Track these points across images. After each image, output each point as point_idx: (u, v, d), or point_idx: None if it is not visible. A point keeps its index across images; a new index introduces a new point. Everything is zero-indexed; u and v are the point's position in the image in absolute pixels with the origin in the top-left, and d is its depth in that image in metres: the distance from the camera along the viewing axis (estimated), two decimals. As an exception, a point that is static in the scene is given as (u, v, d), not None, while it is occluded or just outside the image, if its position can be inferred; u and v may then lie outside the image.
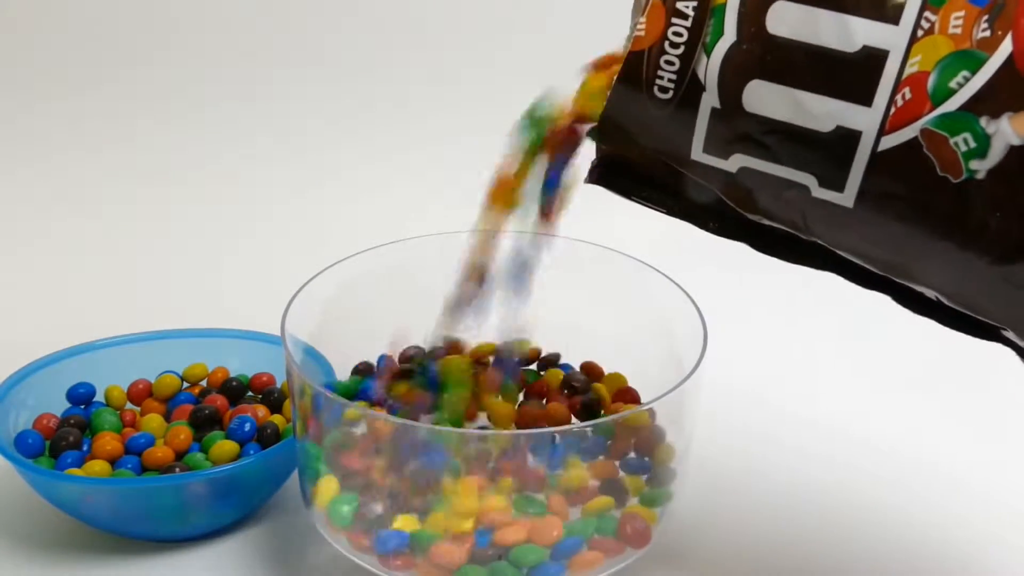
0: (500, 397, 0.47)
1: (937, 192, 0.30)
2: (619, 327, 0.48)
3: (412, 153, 0.90)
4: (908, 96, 0.30)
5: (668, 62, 0.33)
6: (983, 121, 0.29)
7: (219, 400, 0.50)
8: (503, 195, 0.40)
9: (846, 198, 0.32)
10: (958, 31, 0.30)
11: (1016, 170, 0.29)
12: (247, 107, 0.97)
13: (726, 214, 0.36)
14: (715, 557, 0.47)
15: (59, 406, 0.50)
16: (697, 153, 0.34)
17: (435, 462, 0.38)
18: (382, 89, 0.98)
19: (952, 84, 0.30)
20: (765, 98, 0.32)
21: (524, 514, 0.38)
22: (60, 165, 0.89)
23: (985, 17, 0.29)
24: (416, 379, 0.47)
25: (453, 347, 0.48)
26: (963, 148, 0.30)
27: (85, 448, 0.47)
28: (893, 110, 0.30)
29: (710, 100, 0.33)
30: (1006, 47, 0.29)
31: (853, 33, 0.31)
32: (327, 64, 1.00)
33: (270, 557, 0.46)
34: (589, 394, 0.47)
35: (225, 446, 0.46)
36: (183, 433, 0.47)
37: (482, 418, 0.48)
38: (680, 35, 0.33)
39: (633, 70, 0.34)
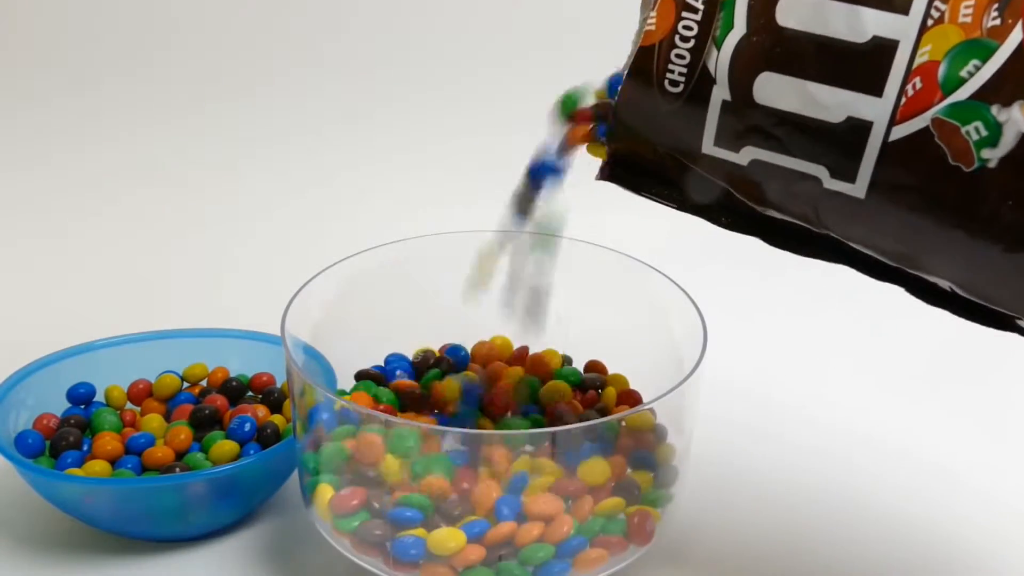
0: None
1: (949, 181, 0.30)
2: (619, 327, 0.48)
3: (412, 153, 0.90)
4: (919, 86, 0.30)
5: (679, 56, 0.33)
6: (994, 110, 0.29)
7: (219, 400, 0.50)
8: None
9: (857, 189, 0.32)
10: (968, 20, 0.30)
11: None
12: (247, 107, 0.97)
13: (737, 209, 0.36)
14: (716, 556, 0.47)
15: (59, 406, 0.50)
16: (708, 147, 0.34)
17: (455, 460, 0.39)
18: (382, 89, 0.98)
19: (963, 73, 0.30)
20: (775, 90, 0.32)
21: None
22: (60, 165, 0.89)
23: (995, 6, 0.29)
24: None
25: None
26: (974, 137, 0.30)
27: (85, 448, 0.47)
28: (904, 100, 0.30)
29: (721, 93, 0.33)
30: (1016, 35, 0.29)
31: (863, 23, 0.31)
32: (327, 64, 1.00)
33: (270, 557, 0.46)
34: (600, 403, 0.47)
35: (225, 446, 0.46)
36: (183, 433, 0.47)
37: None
38: (690, 28, 0.33)
39: (643, 64, 0.34)
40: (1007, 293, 0.32)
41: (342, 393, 0.48)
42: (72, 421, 0.48)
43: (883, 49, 0.31)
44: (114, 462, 0.46)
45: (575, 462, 0.39)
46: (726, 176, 0.34)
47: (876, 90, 0.31)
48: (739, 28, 0.33)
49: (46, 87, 0.98)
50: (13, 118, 0.95)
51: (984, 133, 0.29)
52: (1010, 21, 0.29)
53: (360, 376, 0.50)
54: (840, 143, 0.32)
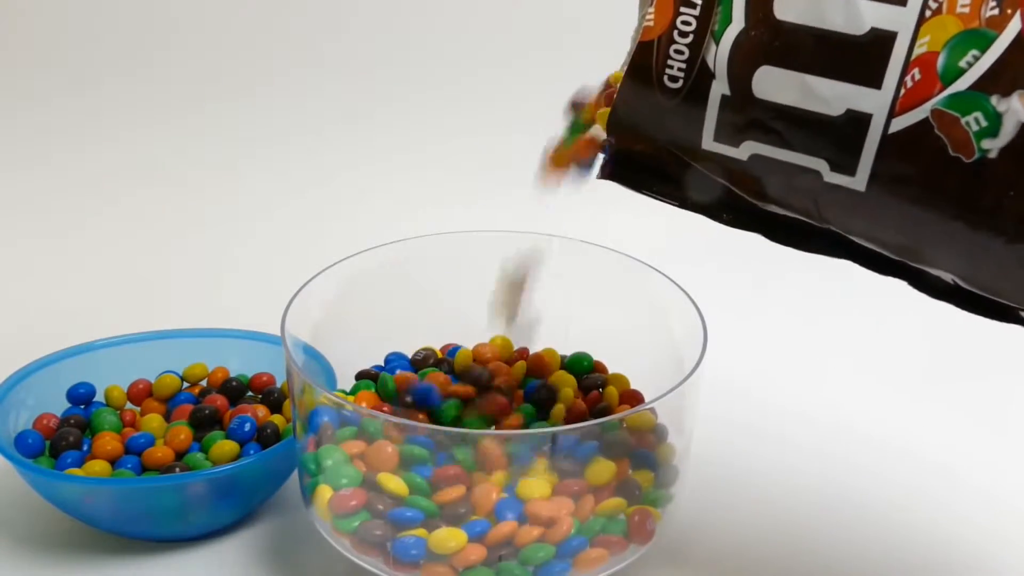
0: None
1: (949, 173, 0.30)
2: (619, 327, 0.48)
3: (412, 153, 0.91)
4: (917, 77, 0.30)
5: (677, 51, 0.33)
6: (994, 100, 0.29)
7: (219, 400, 0.50)
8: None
9: (858, 182, 0.32)
10: (966, 10, 0.30)
11: None
12: (247, 107, 0.97)
13: (738, 205, 0.36)
14: (716, 555, 0.47)
15: (59, 406, 0.50)
16: (708, 142, 0.34)
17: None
18: (382, 89, 0.98)
19: (962, 64, 0.30)
20: (774, 84, 0.32)
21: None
22: (60, 165, 0.89)
23: None
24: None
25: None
26: (974, 128, 0.30)
27: (85, 448, 0.47)
28: (903, 92, 0.30)
29: (720, 88, 0.33)
30: (1015, 25, 0.29)
31: (861, 15, 0.31)
32: (327, 64, 1.00)
33: (270, 557, 0.46)
34: (603, 403, 0.47)
35: (225, 446, 0.46)
36: (183, 433, 0.47)
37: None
38: (689, 24, 0.33)
39: (642, 60, 0.34)
40: (1009, 284, 0.32)
41: (342, 393, 0.48)
42: (72, 421, 0.48)
43: (881, 41, 0.31)
44: (114, 462, 0.46)
45: (576, 462, 0.39)
46: (726, 172, 0.34)
47: (875, 82, 0.31)
48: (737, 22, 0.33)
49: (46, 87, 0.99)
50: (13, 118, 0.95)
51: (984, 123, 0.29)
52: (1009, 11, 0.29)
53: (360, 376, 0.50)
54: (840, 136, 0.32)
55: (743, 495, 0.51)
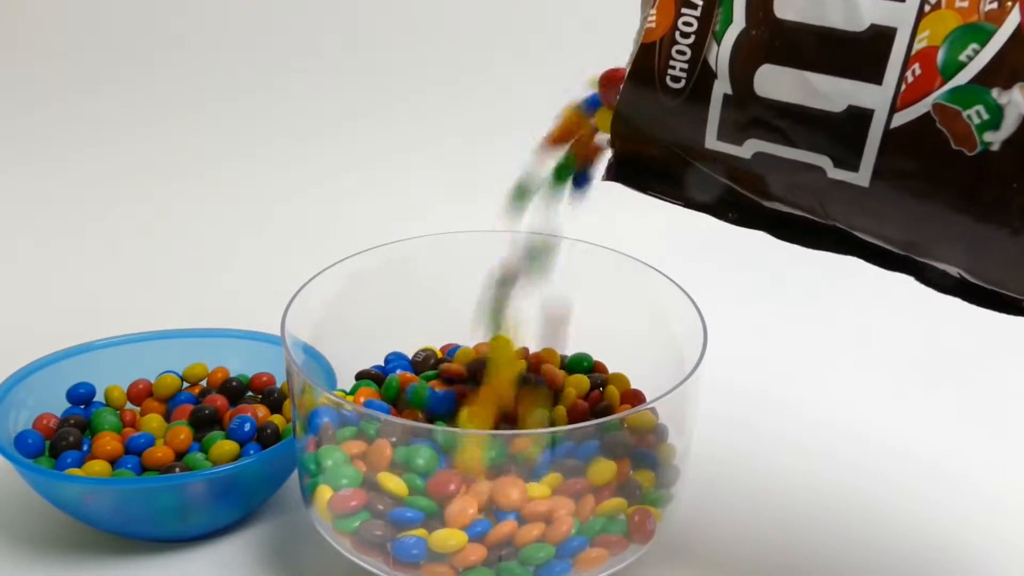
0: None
1: (952, 166, 0.30)
2: (619, 327, 0.48)
3: (412, 153, 0.90)
4: (918, 72, 0.30)
5: (679, 52, 0.33)
6: (995, 93, 0.29)
7: (219, 400, 0.50)
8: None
9: (861, 177, 0.32)
10: (965, 4, 0.30)
11: None
12: (248, 107, 0.97)
13: (744, 204, 0.36)
14: (715, 555, 0.47)
15: (59, 406, 0.50)
16: (711, 141, 0.34)
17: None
18: (382, 89, 0.98)
19: (962, 57, 0.30)
20: (776, 82, 0.32)
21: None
22: (60, 165, 0.89)
23: None
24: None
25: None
26: (976, 121, 0.30)
27: (85, 448, 0.47)
28: (904, 87, 0.31)
29: (722, 87, 0.33)
30: (1014, 18, 0.29)
31: (860, 12, 0.31)
32: (327, 64, 1.00)
33: (270, 557, 0.46)
34: (604, 402, 0.47)
35: (225, 446, 0.46)
36: (183, 433, 0.47)
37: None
38: (690, 24, 0.33)
39: (645, 62, 0.34)
40: (1015, 277, 0.32)
41: (342, 393, 0.48)
42: (72, 421, 0.48)
43: (881, 37, 0.31)
44: (114, 462, 0.46)
45: (578, 462, 0.39)
46: (730, 170, 0.34)
47: (876, 78, 0.31)
48: (738, 22, 0.33)
49: (46, 88, 0.98)
50: (13, 119, 0.95)
51: (985, 117, 0.29)
52: (1008, 3, 0.29)
53: (360, 376, 0.50)
54: (842, 132, 0.32)
55: (743, 495, 0.51)
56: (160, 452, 0.46)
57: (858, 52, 0.31)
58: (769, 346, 0.64)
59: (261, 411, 0.49)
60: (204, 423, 0.48)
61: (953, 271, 0.33)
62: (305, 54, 1.01)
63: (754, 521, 0.49)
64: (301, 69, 1.00)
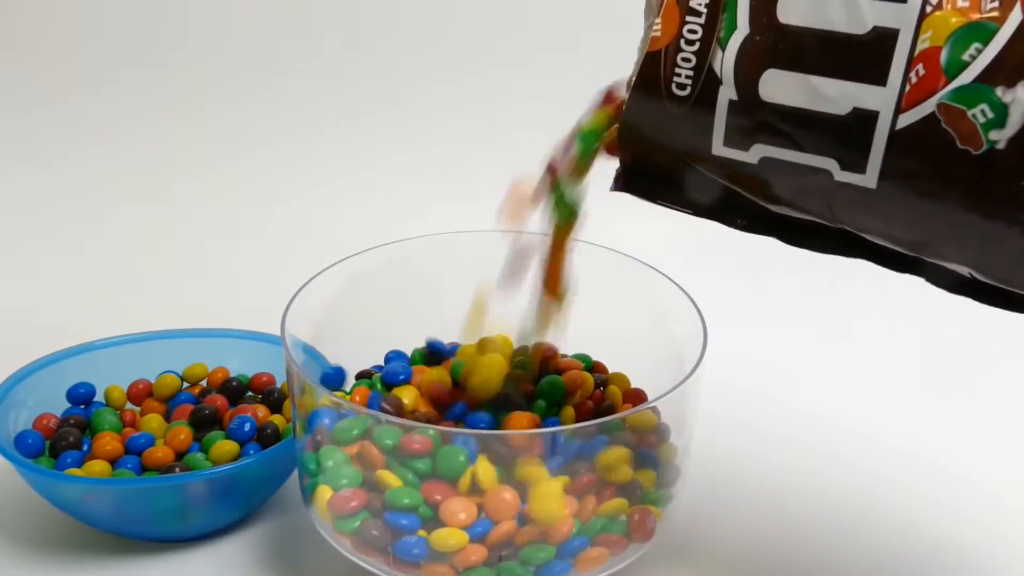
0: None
1: (959, 165, 0.30)
2: (619, 327, 0.48)
3: (412, 153, 0.91)
4: (922, 72, 0.30)
5: (685, 59, 0.34)
6: (999, 91, 0.29)
7: (219, 400, 0.50)
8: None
9: (868, 179, 0.32)
10: (966, 4, 0.30)
11: None
12: (248, 107, 0.97)
13: (752, 210, 0.36)
14: (715, 555, 0.47)
15: (59, 406, 0.50)
16: (718, 148, 0.34)
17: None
18: (383, 90, 0.98)
19: (965, 57, 0.30)
20: (781, 86, 0.32)
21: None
22: (60, 165, 0.89)
23: None
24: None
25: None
26: (981, 119, 0.30)
27: (85, 448, 0.47)
28: (908, 87, 0.31)
29: (728, 93, 0.33)
30: (1016, 16, 0.29)
31: (862, 15, 0.31)
32: (327, 64, 1.00)
33: (270, 557, 0.46)
34: (605, 401, 0.47)
35: (225, 446, 0.46)
36: (183, 433, 0.47)
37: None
38: (695, 32, 0.33)
39: (651, 70, 0.34)
40: None
41: (343, 393, 0.48)
42: (72, 421, 0.48)
43: (884, 39, 0.31)
44: (114, 462, 0.46)
45: (584, 461, 0.39)
46: (737, 176, 0.35)
47: (880, 80, 0.31)
48: (742, 28, 0.33)
49: (46, 88, 0.98)
50: (13, 119, 0.95)
51: (990, 115, 0.30)
52: (1009, 1, 0.29)
53: (360, 376, 0.50)
54: (848, 134, 0.32)
55: (743, 495, 0.51)
56: (160, 452, 0.46)
57: (861, 54, 0.31)
58: (769, 346, 0.64)
59: (261, 411, 0.49)
60: (204, 423, 0.48)
61: (963, 271, 0.33)
62: (305, 54, 1.01)
63: (754, 521, 0.49)
64: (301, 69, 1.00)
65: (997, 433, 0.57)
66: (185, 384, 0.52)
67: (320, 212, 0.81)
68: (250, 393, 0.52)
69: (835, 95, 0.32)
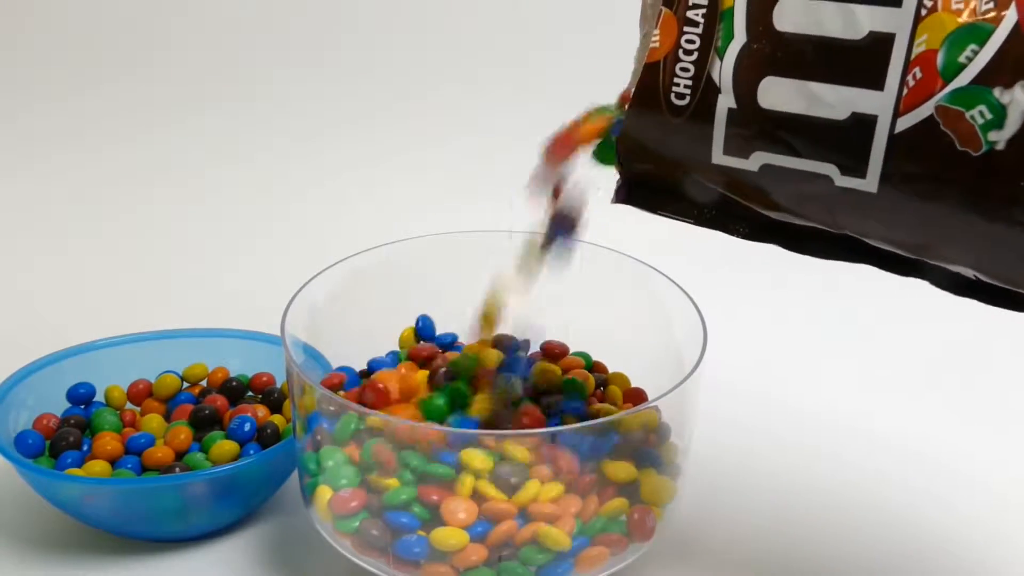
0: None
1: (959, 167, 0.30)
2: (619, 327, 0.48)
3: (412, 153, 0.91)
4: (919, 76, 0.30)
5: (683, 69, 0.34)
6: (997, 92, 0.29)
7: (219, 400, 0.50)
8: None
9: (869, 184, 0.32)
10: (961, 6, 0.30)
11: None
12: (248, 108, 0.97)
13: (753, 218, 0.36)
14: (715, 554, 0.47)
15: (59, 406, 0.50)
16: (718, 156, 0.34)
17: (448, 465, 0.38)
18: (382, 90, 0.98)
19: (961, 59, 0.30)
20: (779, 93, 0.32)
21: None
22: (60, 165, 0.89)
23: None
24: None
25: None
26: (980, 121, 0.30)
27: (85, 448, 0.47)
28: (905, 91, 0.31)
29: (727, 101, 0.33)
30: (1011, 17, 0.29)
31: (857, 20, 0.31)
32: (327, 65, 1.00)
33: (270, 557, 0.46)
34: (607, 401, 0.47)
35: (225, 446, 0.46)
36: (183, 433, 0.47)
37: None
38: (693, 42, 0.34)
39: (650, 81, 0.34)
40: None
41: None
42: (72, 421, 0.48)
43: (880, 43, 0.31)
44: (114, 462, 0.46)
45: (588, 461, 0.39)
46: (738, 184, 0.35)
47: (877, 84, 0.31)
48: (739, 37, 0.33)
49: (47, 87, 0.99)
50: (14, 118, 0.95)
51: (989, 116, 0.30)
52: (1004, 2, 0.29)
53: (360, 376, 0.50)
54: (847, 139, 0.32)
55: (743, 494, 0.51)
56: (160, 452, 0.46)
57: (858, 59, 0.31)
58: (769, 346, 0.64)
59: (261, 411, 0.49)
60: (204, 423, 0.48)
61: (967, 272, 0.33)
62: (305, 55, 1.01)
63: (754, 520, 0.49)
64: (301, 70, 1.00)
65: (998, 432, 0.57)
66: (185, 384, 0.52)
67: (320, 212, 0.81)
68: (250, 393, 0.52)
69: (833, 100, 0.32)
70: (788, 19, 0.32)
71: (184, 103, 0.97)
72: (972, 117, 0.30)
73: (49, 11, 1.02)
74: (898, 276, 0.35)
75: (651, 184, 0.37)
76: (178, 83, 0.99)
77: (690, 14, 0.34)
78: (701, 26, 0.34)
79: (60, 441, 0.47)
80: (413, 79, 0.99)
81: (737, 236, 0.37)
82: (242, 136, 0.93)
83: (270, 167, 0.89)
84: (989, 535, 0.49)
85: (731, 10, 0.33)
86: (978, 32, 0.30)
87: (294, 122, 0.95)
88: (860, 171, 0.32)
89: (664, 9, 0.34)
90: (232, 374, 0.52)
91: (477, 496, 0.38)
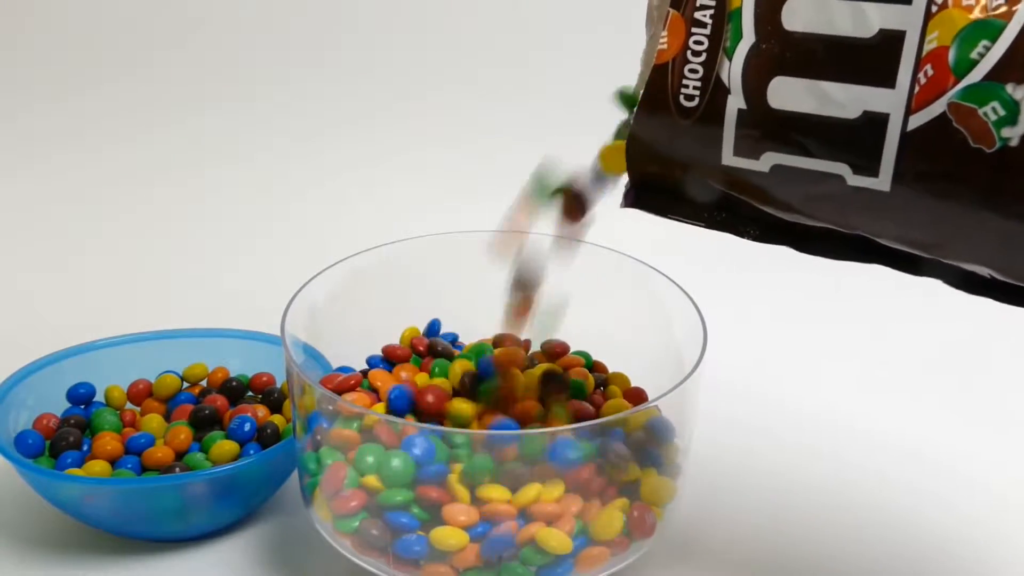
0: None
1: (972, 164, 0.30)
2: (619, 327, 0.48)
3: (412, 153, 0.91)
4: (931, 73, 0.30)
5: (692, 70, 0.34)
6: (1009, 88, 0.29)
7: (219, 400, 0.50)
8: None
9: (881, 183, 0.32)
10: (972, 2, 0.30)
11: None
12: (248, 108, 0.97)
13: (764, 219, 0.36)
14: (715, 554, 0.47)
15: (59, 406, 0.50)
16: (728, 158, 0.34)
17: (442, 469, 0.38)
18: (382, 90, 0.98)
19: (973, 55, 0.30)
20: (789, 93, 0.32)
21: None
22: (60, 165, 0.89)
23: None
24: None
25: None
26: (993, 117, 0.30)
27: (85, 448, 0.47)
28: (917, 88, 0.31)
29: (736, 102, 0.33)
30: (1022, 12, 0.29)
31: (868, 18, 0.31)
32: (327, 65, 1.00)
33: (270, 557, 0.46)
34: (607, 401, 0.47)
35: (225, 446, 0.46)
36: (183, 433, 0.47)
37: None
38: (701, 43, 0.33)
39: (658, 83, 0.34)
40: None
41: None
42: (72, 421, 0.48)
43: (891, 41, 0.31)
44: (114, 462, 0.46)
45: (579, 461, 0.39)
46: (748, 186, 0.34)
47: (888, 82, 0.31)
48: (748, 37, 0.33)
49: (47, 87, 0.98)
50: (14, 118, 0.95)
51: (1002, 112, 0.29)
52: None
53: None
54: (859, 138, 0.32)
55: (743, 494, 0.51)
56: (160, 452, 0.46)
57: (869, 57, 0.31)
58: (769, 346, 0.64)
59: (261, 411, 0.49)
60: (204, 423, 0.48)
61: (982, 271, 0.33)
62: (305, 55, 1.01)
63: (754, 520, 0.49)
64: (301, 70, 1.00)
65: (998, 433, 0.57)
66: (185, 384, 0.52)
67: (320, 212, 0.81)
68: (250, 393, 0.52)
69: (844, 99, 0.32)
70: (797, 18, 0.32)
71: (184, 103, 0.97)
72: (985, 114, 0.30)
73: (49, 11, 1.02)
74: (909, 275, 0.35)
75: (659, 188, 0.37)
76: (178, 83, 0.99)
77: (698, 15, 0.33)
78: (709, 27, 0.33)
79: (60, 441, 0.47)
80: (413, 79, 0.99)
81: (747, 238, 0.37)
82: (242, 136, 0.93)
83: (270, 167, 0.89)
84: (989, 535, 0.49)
85: (739, 10, 0.33)
86: (989, 28, 0.29)
87: (294, 122, 0.95)
88: (872, 170, 0.32)
89: (671, 10, 0.34)
90: (232, 374, 0.52)
91: (477, 498, 0.38)
